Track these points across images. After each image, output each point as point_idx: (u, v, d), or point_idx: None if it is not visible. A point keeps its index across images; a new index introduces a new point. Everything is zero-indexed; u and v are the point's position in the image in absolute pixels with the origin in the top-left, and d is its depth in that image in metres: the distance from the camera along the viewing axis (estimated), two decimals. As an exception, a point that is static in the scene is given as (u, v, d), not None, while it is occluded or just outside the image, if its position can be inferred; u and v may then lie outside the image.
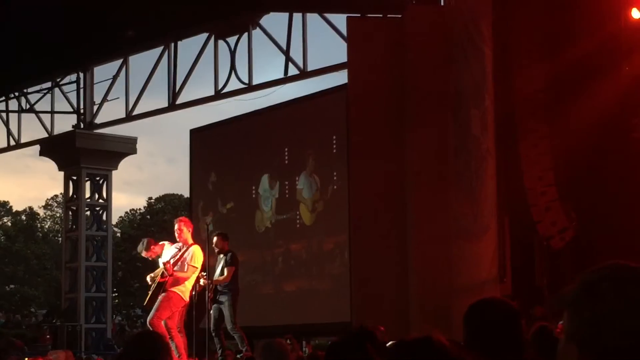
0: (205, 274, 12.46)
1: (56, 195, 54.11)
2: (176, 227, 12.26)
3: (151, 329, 11.24)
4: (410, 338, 2.57)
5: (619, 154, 11.81)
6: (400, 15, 14.16)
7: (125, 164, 27.64)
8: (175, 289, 11.91)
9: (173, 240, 12.42)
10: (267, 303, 18.39)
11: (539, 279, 12.47)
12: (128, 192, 78.82)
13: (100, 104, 23.36)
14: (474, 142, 12.36)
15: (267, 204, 19.33)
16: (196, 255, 12.08)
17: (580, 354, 1.85)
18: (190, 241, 12.23)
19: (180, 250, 12.14)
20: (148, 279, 12.26)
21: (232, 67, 19.58)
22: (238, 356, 13.10)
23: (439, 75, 12.90)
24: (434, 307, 11.96)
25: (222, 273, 12.93)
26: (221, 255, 13.08)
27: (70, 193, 24.39)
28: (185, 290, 11.98)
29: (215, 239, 13.13)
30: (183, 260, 12.03)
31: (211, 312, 12.86)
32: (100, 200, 24.33)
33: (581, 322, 1.87)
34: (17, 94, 24.41)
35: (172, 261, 12.00)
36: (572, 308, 1.89)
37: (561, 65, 12.06)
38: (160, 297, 11.88)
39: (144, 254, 12.45)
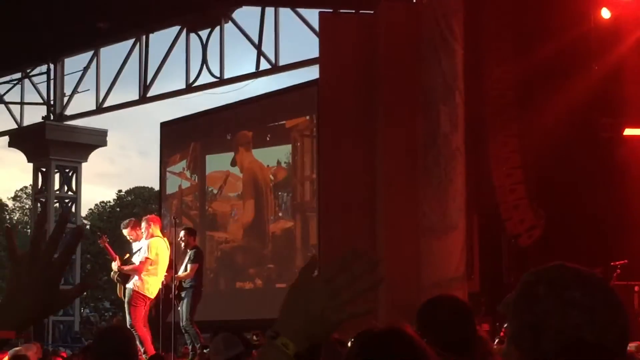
0: (165, 274, 12.50)
1: (25, 187, 53.70)
2: (143, 225, 12.33)
3: (135, 332, 11.24)
4: (376, 328, 2.42)
5: (588, 153, 11.87)
6: (372, 12, 14.15)
7: (98, 156, 27.53)
8: (133, 286, 12.13)
9: None
10: (237, 297, 18.34)
11: (506, 276, 12.51)
12: (100, 185, 78.50)
13: (71, 96, 23.15)
14: (443, 140, 12.37)
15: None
16: (151, 247, 12.13)
17: (521, 357, 1.86)
18: (156, 236, 12.33)
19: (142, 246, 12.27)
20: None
21: (204, 61, 19.48)
22: (205, 351, 13.02)
23: (410, 72, 12.90)
24: (403, 304, 11.94)
25: (185, 269, 12.86)
26: (187, 251, 13.02)
27: (39, 185, 24.19)
28: (141, 285, 12.10)
29: (182, 233, 13.06)
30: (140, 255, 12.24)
31: (179, 308, 12.76)
32: (70, 193, 24.14)
33: (521, 325, 1.88)
34: (-15, 84, 24.19)
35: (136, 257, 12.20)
36: (512, 311, 1.91)
37: (532, 64, 12.10)
38: (125, 300, 12.16)
39: (127, 232, 12.55)
